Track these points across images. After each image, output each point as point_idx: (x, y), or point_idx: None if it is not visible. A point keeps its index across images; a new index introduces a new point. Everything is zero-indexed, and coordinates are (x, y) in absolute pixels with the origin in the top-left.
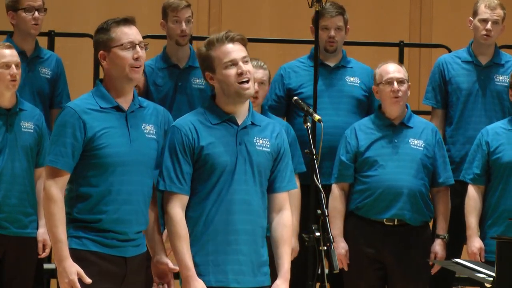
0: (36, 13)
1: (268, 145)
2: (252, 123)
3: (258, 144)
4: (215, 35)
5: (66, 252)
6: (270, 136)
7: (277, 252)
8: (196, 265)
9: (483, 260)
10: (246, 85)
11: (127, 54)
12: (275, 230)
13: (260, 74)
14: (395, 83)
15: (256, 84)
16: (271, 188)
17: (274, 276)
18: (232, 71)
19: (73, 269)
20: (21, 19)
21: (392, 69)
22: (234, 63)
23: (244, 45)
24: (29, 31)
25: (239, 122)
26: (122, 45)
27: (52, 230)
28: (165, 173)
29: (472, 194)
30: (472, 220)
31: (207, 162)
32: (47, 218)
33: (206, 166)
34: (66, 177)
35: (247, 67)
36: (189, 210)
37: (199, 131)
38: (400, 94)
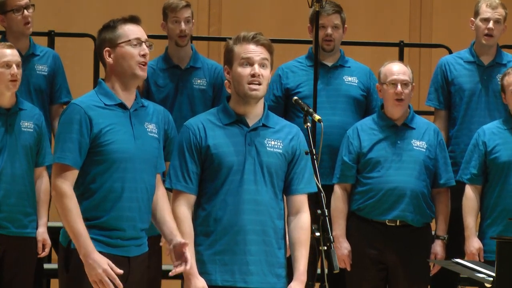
0: (25, 11)
1: (280, 147)
2: (264, 125)
3: (270, 145)
4: (245, 32)
5: (91, 245)
6: (284, 138)
7: (293, 255)
8: (204, 263)
9: (482, 260)
10: (254, 86)
11: (134, 51)
12: (292, 232)
13: None
14: (399, 86)
15: None
16: (288, 190)
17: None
18: (246, 71)
19: (104, 260)
20: (12, 20)
21: (397, 70)
22: (250, 63)
23: (270, 51)
24: (23, 32)
25: (250, 124)
26: (129, 41)
27: (72, 226)
28: (172, 171)
29: (470, 194)
30: (470, 220)
31: (214, 161)
32: (64, 215)
33: (213, 166)
34: (75, 173)
35: (263, 71)
36: (198, 209)
37: (207, 130)
38: (403, 96)
